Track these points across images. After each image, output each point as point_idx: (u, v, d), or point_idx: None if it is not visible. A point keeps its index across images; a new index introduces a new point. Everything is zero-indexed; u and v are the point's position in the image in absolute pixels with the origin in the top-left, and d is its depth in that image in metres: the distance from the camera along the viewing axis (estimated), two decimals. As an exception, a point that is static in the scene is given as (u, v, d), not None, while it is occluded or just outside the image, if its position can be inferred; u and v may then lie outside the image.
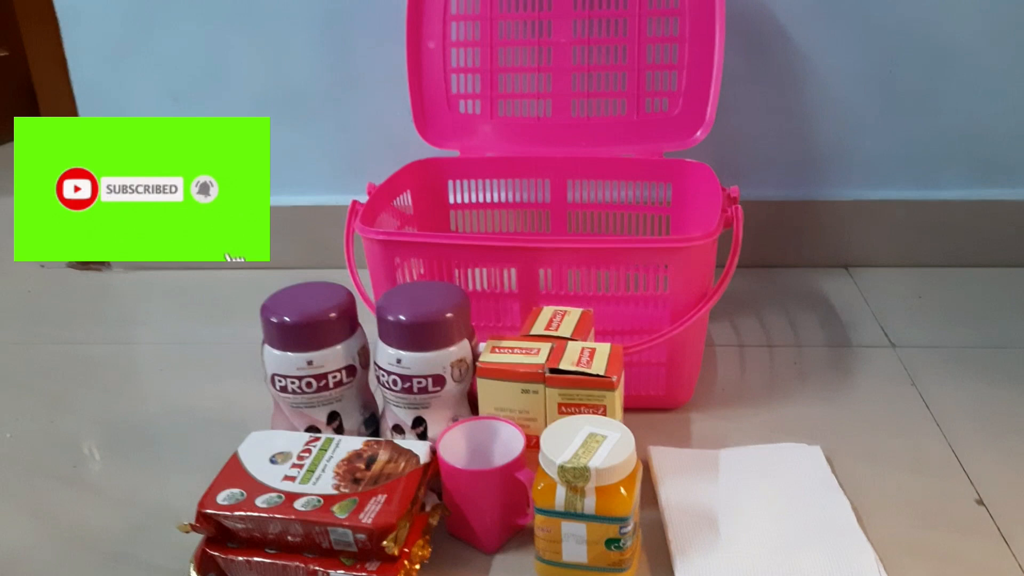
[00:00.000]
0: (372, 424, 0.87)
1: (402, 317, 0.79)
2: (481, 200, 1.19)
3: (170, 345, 1.17)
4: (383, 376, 0.81)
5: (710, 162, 1.09)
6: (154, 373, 1.11)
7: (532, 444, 0.79)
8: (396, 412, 0.83)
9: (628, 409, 0.85)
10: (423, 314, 0.80)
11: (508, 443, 0.80)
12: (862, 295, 1.23)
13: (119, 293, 1.34)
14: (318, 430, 0.84)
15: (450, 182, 1.18)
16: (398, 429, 0.83)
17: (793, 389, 1.01)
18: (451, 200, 1.19)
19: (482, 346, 0.84)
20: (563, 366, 0.78)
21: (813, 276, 1.29)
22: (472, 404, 0.84)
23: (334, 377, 0.82)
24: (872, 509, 0.80)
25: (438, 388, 0.80)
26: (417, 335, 0.79)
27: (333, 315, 0.81)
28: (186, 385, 1.07)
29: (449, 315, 0.80)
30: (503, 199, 1.19)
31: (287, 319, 0.80)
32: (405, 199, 1.13)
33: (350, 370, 0.83)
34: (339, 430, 0.84)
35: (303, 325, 0.80)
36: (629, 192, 1.16)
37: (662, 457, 0.88)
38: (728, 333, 1.14)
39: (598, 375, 0.77)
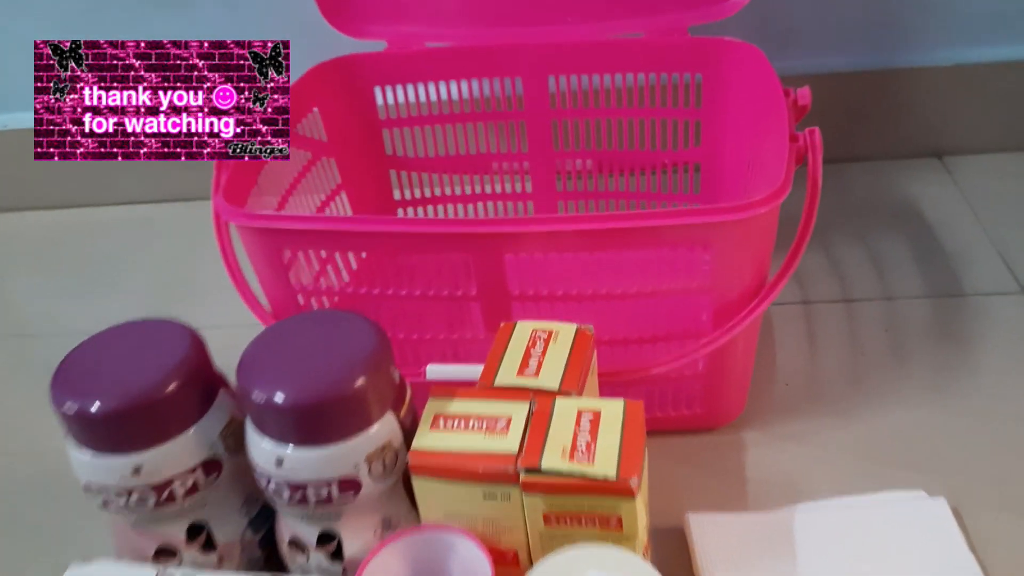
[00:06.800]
0: (262, 524, 0.57)
1: (279, 397, 0.47)
2: (425, 112, 0.83)
3: None
4: (263, 480, 0.51)
5: (751, 33, 0.74)
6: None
7: (508, 560, 0.50)
8: (291, 525, 0.53)
9: (654, 432, 0.53)
10: (313, 389, 0.48)
11: (468, 566, 0.50)
12: (966, 200, 0.90)
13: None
14: (174, 552, 0.54)
15: (377, 89, 0.82)
16: (297, 545, 0.54)
17: (889, 377, 0.70)
18: (382, 115, 0.83)
19: (429, 369, 0.56)
20: (546, 464, 0.47)
21: (896, 172, 0.95)
22: (412, 493, 0.54)
23: (183, 483, 0.51)
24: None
25: (350, 493, 0.50)
26: (306, 424, 0.48)
27: (171, 388, 0.50)
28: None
29: (359, 382, 0.48)
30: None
31: (90, 408, 0.48)
32: (314, 122, 0.78)
33: (210, 466, 0.52)
34: (208, 546, 0.55)
35: (118, 415, 0.49)
36: (638, 89, 0.80)
37: (705, 531, 0.58)
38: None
39: (606, 479, 0.46)
